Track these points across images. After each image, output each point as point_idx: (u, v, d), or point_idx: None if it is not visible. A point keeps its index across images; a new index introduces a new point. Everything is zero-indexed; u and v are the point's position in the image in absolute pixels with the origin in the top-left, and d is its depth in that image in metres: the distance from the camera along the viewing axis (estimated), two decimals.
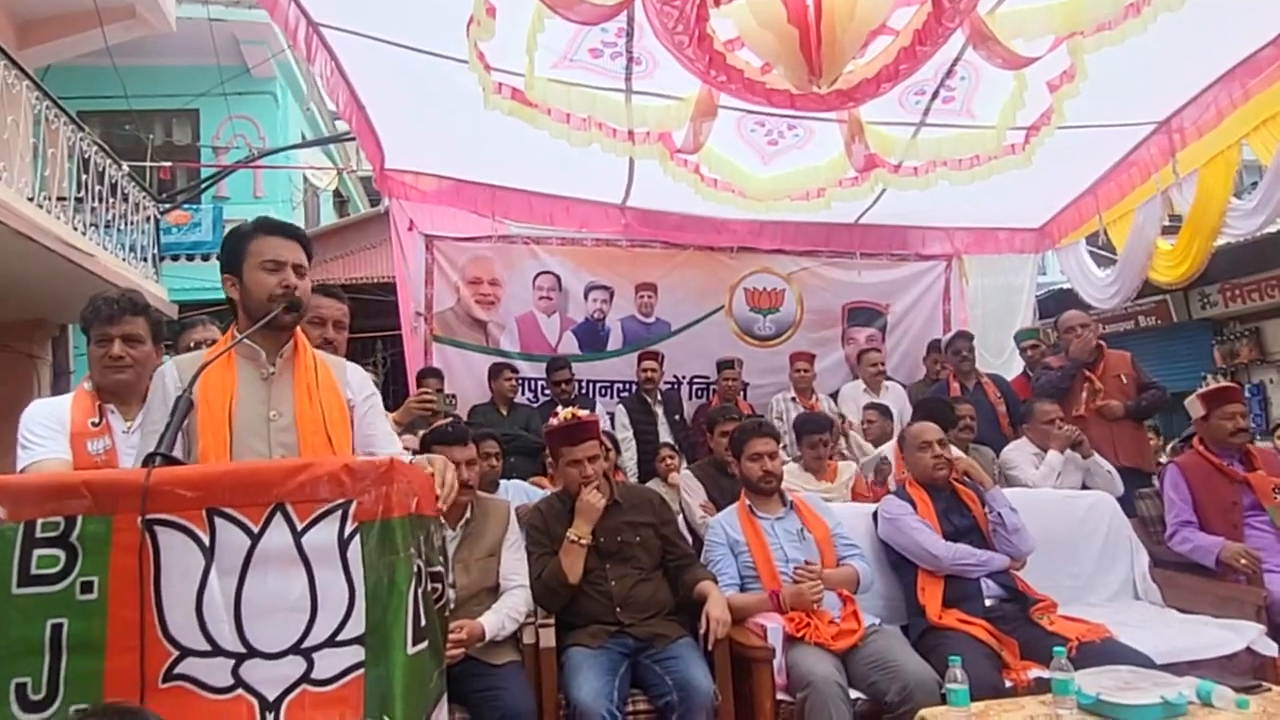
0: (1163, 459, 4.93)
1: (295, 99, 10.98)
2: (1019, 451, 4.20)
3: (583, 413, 3.04)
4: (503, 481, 3.92)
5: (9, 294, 5.93)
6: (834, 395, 5.53)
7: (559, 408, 3.13)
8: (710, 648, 2.66)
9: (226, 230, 2.05)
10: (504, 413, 4.98)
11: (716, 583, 2.88)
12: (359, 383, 1.99)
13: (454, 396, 4.55)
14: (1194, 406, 3.65)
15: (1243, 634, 2.92)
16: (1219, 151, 4.42)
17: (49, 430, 2.14)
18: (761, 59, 3.26)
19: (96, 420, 2.19)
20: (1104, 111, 4.15)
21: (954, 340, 5.15)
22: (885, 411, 4.76)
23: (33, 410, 2.19)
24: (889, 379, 5.49)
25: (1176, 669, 2.46)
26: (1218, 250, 4.79)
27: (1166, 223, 4.98)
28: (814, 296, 6.05)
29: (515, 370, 5.21)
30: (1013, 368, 5.61)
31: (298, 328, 1.95)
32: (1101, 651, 2.57)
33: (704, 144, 4.07)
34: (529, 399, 5.50)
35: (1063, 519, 3.56)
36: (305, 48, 3.55)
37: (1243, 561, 3.22)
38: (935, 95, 3.99)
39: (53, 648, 1.34)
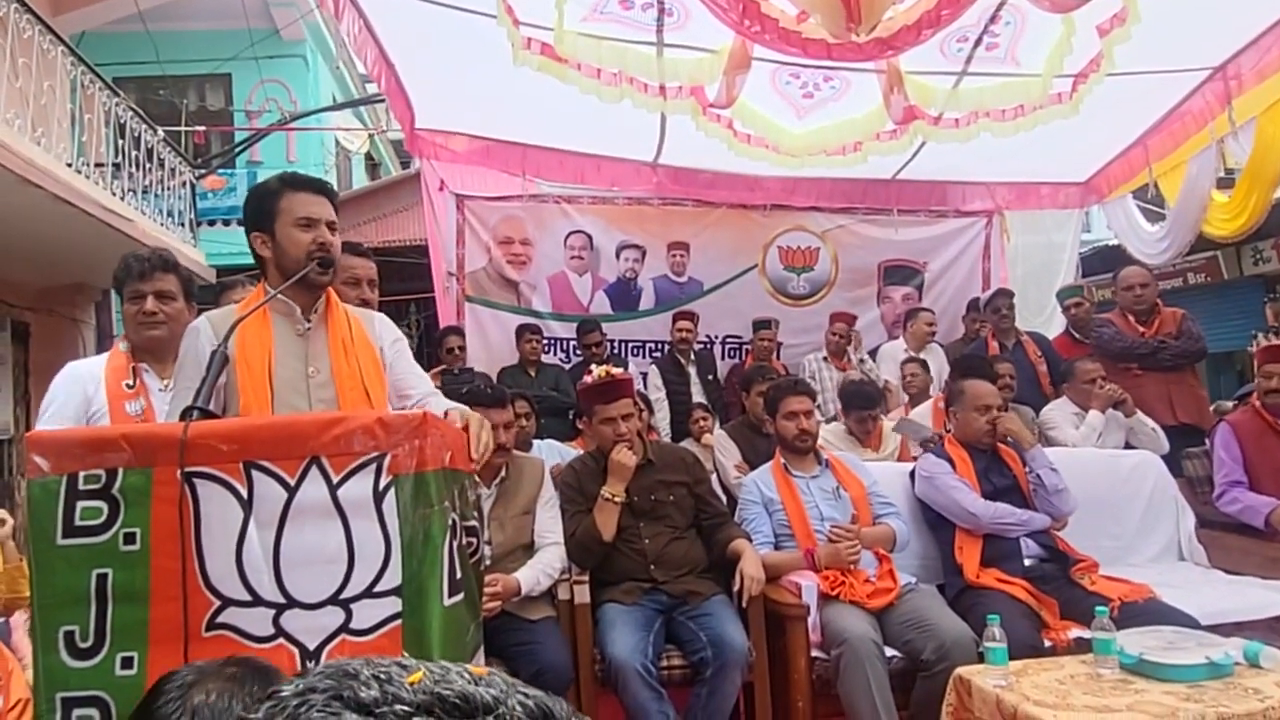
0: None
1: (325, 61, 10.95)
2: (1059, 411, 4.11)
3: (617, 370, 3.02)
4: (535, 441, 3.94)
5: (52, 259, 6.05)
6: (871, 354, 5.45)
7: (593, 367, 3.11)
8: (744, 605, 2.67)
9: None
10: (532, 374, 4.99)
11: (751, 541, 2.88)
12: (385, 329, 2.01)
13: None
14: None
15: None
16: (1279, 98, 4.21)
17: (62, 406, 2.15)
18: (797, 7, 3.15)
19: (131, 382, 2.21)
20: (1156, 57, 3.94)
21: (994, 298, 5.02)
22: (926, 367, 4.68)
23: (58, 380, 2.21)
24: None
25: (1222, 630, 2.41)
26: (1273, 204, 4.60)
27: (1221, 174, 4.78)
28: (849, 254, 5.92)
29: (539, 331, 5.21)
30: (1053, 326, 5.47)
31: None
32: (1144, 612, 2.52)
33: (737, 98, 3.97)
34: (561, 359, 5.51)
35: (1106, 478, 3.48)
36: (333, 5, 3.51)
37: None
38: (978, 42, 3.82)
39: (98, 597, 1.37)
